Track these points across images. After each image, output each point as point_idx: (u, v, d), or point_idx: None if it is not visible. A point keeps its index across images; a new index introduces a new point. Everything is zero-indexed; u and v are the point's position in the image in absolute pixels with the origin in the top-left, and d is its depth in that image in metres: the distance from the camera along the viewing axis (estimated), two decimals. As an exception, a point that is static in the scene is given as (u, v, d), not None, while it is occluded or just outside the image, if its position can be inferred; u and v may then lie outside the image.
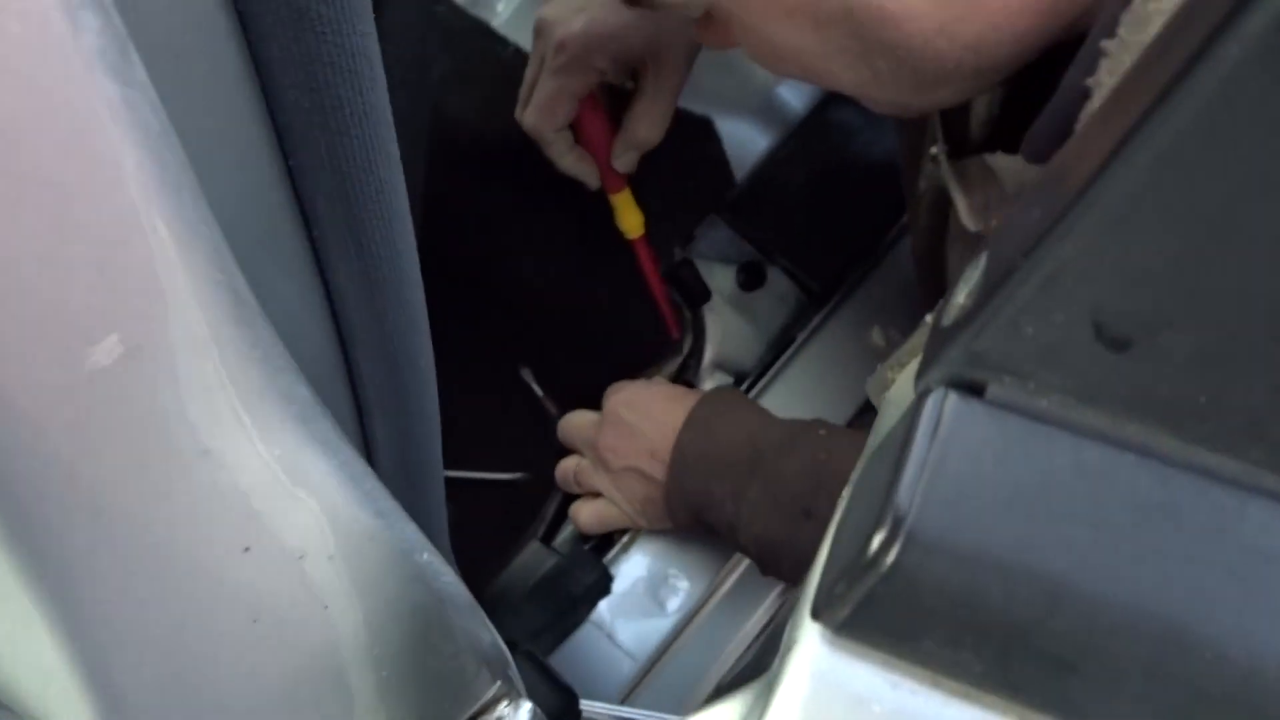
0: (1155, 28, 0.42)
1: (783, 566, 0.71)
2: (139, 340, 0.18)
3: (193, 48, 0.23)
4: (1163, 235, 0.14)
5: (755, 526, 0.70)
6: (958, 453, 0.16)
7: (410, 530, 0.25)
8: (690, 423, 0.74)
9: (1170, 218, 0.13)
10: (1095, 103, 0.46)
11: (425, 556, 0.25)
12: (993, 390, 0.16)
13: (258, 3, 0.23)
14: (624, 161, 0.82)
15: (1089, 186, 0.13)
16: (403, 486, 0.42)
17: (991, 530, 0.16)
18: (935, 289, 0.73)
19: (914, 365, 0.18)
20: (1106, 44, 0.44)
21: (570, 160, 0.83)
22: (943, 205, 0.65)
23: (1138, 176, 0.13)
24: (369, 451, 0.40)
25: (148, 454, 0.19)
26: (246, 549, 0.21)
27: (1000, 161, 0.55)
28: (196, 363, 0.19)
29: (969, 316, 0.16)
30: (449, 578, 0.26)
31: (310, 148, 0.26)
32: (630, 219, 0.86)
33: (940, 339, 0.17)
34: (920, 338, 0.18)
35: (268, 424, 0.21)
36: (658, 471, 0.75)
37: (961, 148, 0.60)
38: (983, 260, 0.17)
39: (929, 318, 0.19)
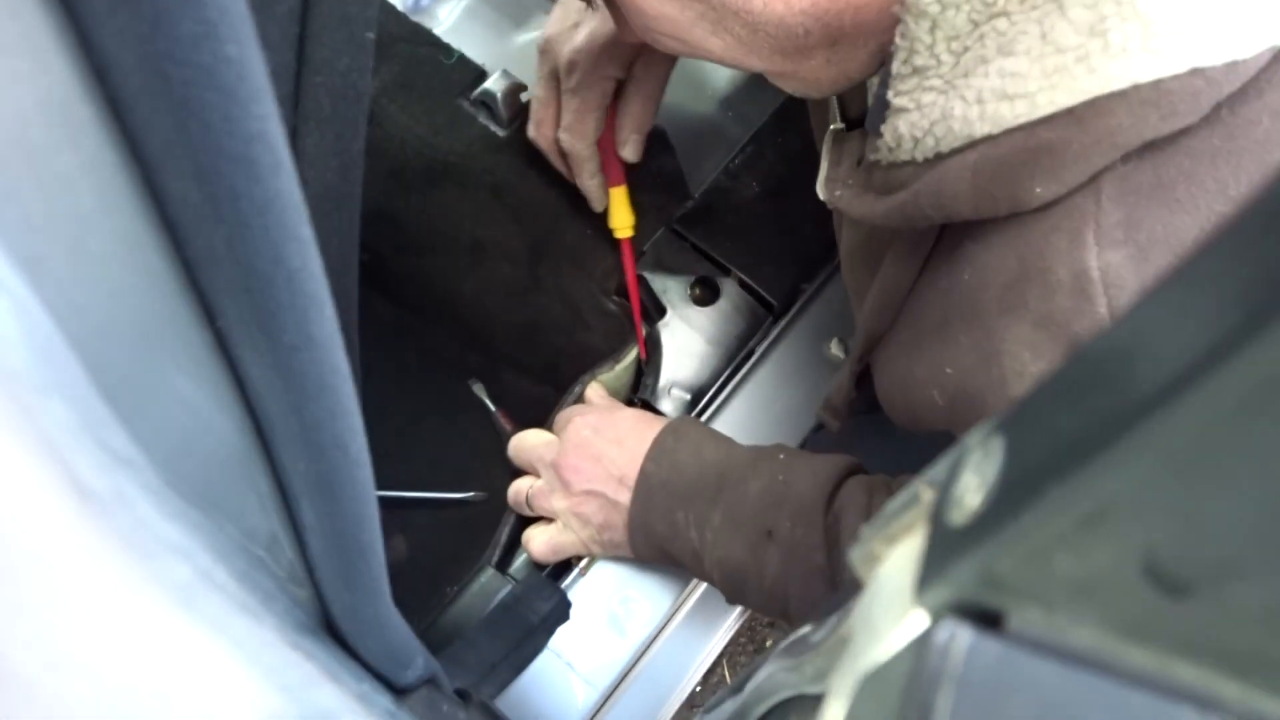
0: None
1: (748, 592, 0.70)
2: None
3: (49, 141, 0.19)
4: (1244, 480, 0.11)
5: (719, 551, 0.68)
6: (974, 705, 0.13)
7: (326, 694, 0.22)
8: (654, 451, 0.73)
9: (1257, 462, 0.11)
10: (894, 65, 0.48)
11: (347, 721, 0.22)
12: (1015, 621, 0.13)
13: (130, 89, 0.20)
14: (629, 148, 0.81)
15: (1150, 413, 0.10)
16: (337, 566, 0.38)
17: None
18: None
19: (910, 546, 0.15)
20: (897, 9, 0.46)
21: (596, 181, 0.83)
22: None
23: (1220, 414, 0.10)
24: (299, 535, 0.37)
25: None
26: (122, 760, 0.18)
27: (878, 139, 0.56)
28: (39, 573, 0.16)
29: (983, 526, 0.13)
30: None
31: (204, 241, 0.23)
32: (620, 217, 0.83)
33: (947, 542, 0.14)
34: (914, 514, 0.16)
35: (137, 617, 0.18)
36: (623, 497, 0.73)
37: (858, 126, 0.61)
38: (998, 449, 0.14)
39: (923, 492, 0.16)
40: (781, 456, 0.71)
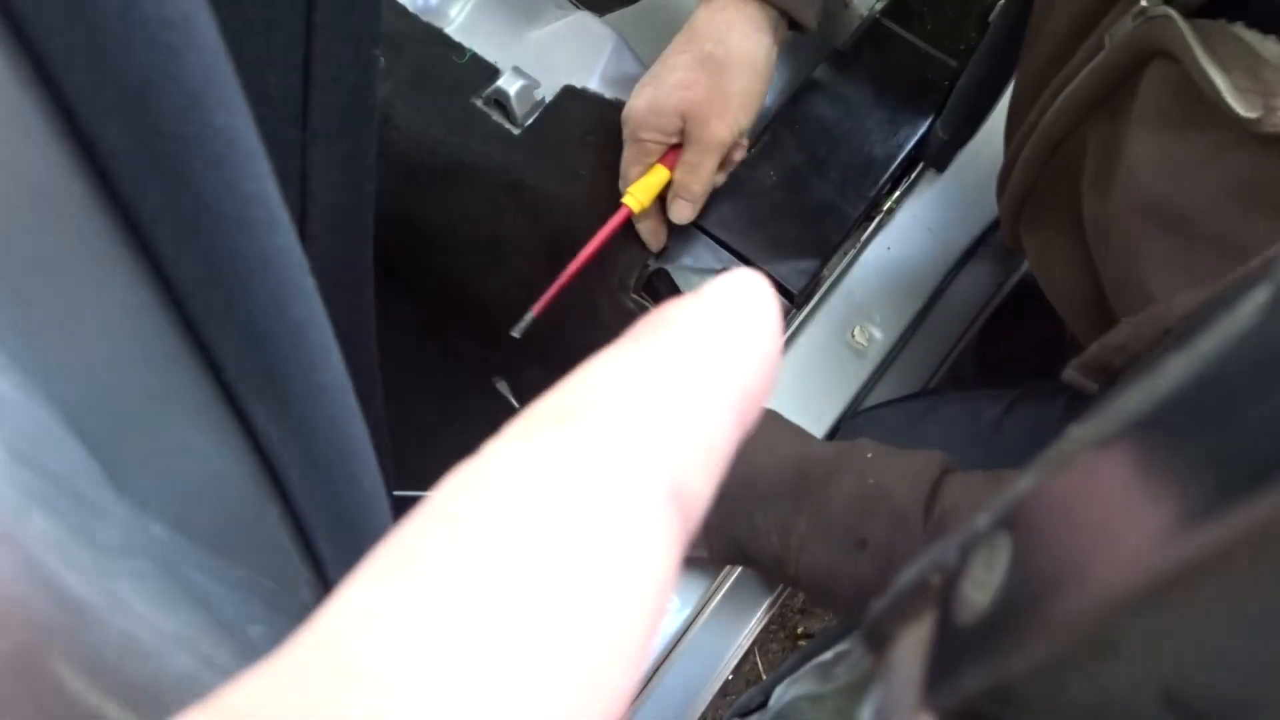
0: None
1: (839, 598, 0.66)
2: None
3: (35, 222, 0.19)
4: (1267, 624, 0.10)
5: (806, 559, 0.65)
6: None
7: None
8: None
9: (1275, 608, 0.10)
10: None
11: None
12: (1027, 737, 0.13)
13: (117, 162, 0.19)
14: (675, 210, 0.83)
15: (1189, 570, 0.10)
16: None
17: None
18: (1050, 172, 0.67)
19: (920, 633, 0.14)
20: None
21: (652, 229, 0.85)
22: (1122, 74, 0.56)
23: (1241, 560, 0.10)
24: (318, 567, 0.37)
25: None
26: None
27: (1251, 37, 0.44)
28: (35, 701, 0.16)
29: (990, 631, 0.13)
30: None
31: (204, 301, 0.23)
32: (642, 191, 0.82)
33: (955, 641, 0.13)
34: (925, 598, 0.15)
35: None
36: None
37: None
38: (1004, 551, 0.13)
39: (932, 575, 0.15)
40: (870, 455, 0.66)
